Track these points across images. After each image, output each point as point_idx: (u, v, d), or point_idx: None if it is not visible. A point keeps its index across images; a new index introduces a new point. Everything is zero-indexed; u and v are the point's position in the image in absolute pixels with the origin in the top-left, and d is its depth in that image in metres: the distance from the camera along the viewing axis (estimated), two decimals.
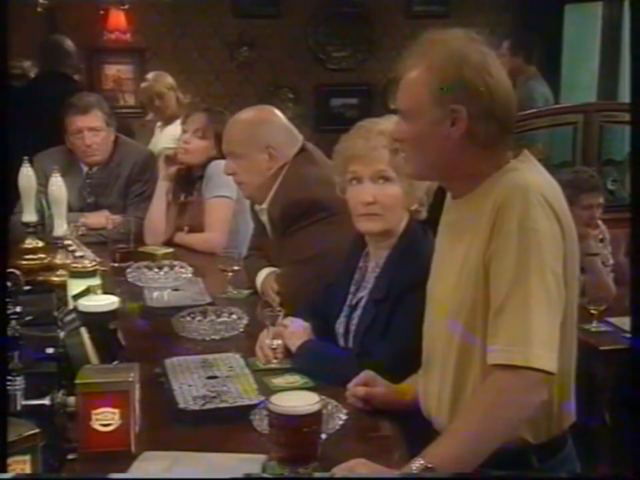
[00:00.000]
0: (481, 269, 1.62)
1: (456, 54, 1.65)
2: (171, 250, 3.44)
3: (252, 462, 1.64)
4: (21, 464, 1.51)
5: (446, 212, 1.84)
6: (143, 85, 5.55)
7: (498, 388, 1.56)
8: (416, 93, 1.68)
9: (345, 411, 1.84)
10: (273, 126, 2.87)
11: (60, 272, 2.76)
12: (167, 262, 3.15)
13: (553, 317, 1.57)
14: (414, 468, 1.51)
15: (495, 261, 1.60)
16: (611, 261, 3.25)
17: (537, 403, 1.57)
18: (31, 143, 3.84)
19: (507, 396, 1.55)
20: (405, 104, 1.71)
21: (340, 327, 2.25)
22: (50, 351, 1.83)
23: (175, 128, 4.53)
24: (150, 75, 5.54)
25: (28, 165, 3.16)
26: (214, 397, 1.96)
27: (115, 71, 7.22)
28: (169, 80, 5.43)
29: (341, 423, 1.80)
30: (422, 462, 1.51)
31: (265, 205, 2.86)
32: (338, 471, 1.57)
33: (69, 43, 4.67)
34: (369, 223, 2.18)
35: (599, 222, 3.32)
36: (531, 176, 1.66)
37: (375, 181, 2.16)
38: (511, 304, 1.56)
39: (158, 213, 3.64)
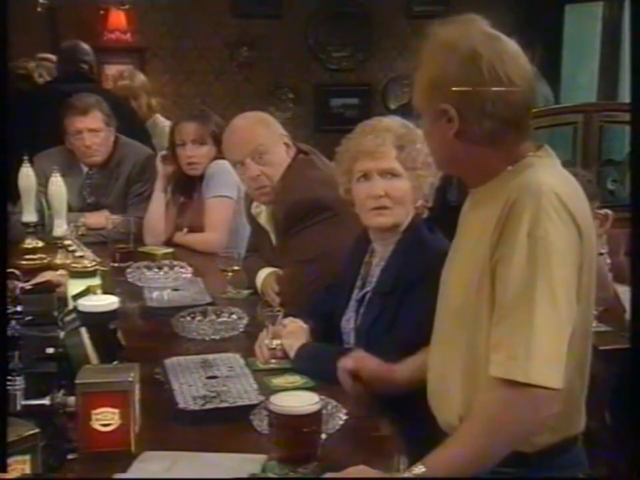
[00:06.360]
0: (487, 272, 1.56)
1: (441, 50, 1.62)
2: (170, 250, 3.45)
3: (252, 462, 1.64)
4: (21, 464, 1.51)
5: (466, 200, 1.78)
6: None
7: (502, 403, 1.51)
8: (415, 92, 1.68)
9: (344, 410, 1.84)
10: (273, 119, 2.91)
11: (60, 272, 2.76)
12: (166, 262, 3.15)
13: (560, 331, 1.50)
14: (415, 473, 1.48)
15: (500, 267, 1.54)
16: (608, 260, 3.25)
17: (544, 418, 1.51)
18: (49, 144, 3.85)
19: (511, 411, 1.50)
20: (413, 101, 1.72)
21: (350, 322, 2.25)
22: (50, 350, 1.83)
23: None
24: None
25: (28, 164, 3.17)
26: (214, 397, 1.96)
27: (115, 71, 7.19)
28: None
29: (341, 422, 1.80)
30: (424, 469, 1.48)
31: (265, 206, 2.87)
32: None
33: (84, 46, 4.69)
34: (380, 217, 2.17)
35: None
36: (545, 175, 1.57)
37: (384, 176, 2.16)
38: (514, 316, 1.50)
39: (157, 212, 3.63)
